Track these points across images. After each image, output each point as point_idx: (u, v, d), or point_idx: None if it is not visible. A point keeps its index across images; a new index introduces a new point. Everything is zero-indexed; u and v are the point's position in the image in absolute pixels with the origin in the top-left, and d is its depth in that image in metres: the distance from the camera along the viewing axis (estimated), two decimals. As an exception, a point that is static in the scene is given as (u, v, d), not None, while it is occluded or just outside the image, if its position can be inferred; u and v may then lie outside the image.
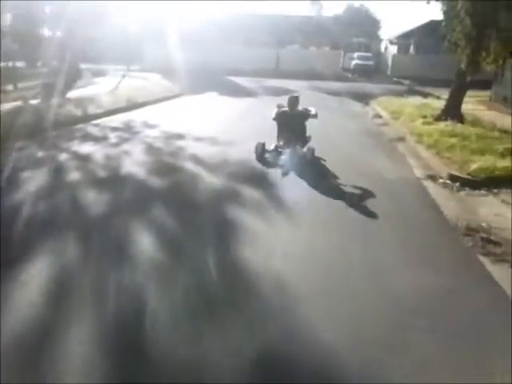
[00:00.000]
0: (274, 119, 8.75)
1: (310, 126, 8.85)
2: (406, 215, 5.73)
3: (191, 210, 5.61)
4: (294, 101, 8.71)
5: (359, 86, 27.10)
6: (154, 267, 4.06)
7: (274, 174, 7.32)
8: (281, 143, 8.33)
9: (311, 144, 8.50)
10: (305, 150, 8.23)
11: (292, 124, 8.42)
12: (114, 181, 6.83)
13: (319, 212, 5.76)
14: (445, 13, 12.29)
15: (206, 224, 5.15)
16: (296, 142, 8.15)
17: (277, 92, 22.14)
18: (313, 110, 8.87)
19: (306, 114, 8.69)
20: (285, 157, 7.88)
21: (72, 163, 7.73)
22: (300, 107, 8.79)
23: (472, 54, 10.78)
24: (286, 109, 8.73)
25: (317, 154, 8.36)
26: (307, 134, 8.64)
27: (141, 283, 3.75)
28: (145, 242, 4.56)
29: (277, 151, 8.22)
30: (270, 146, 8.35)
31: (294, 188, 6.61)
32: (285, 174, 7.26)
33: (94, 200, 5.83)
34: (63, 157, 8.18)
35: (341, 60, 38.50)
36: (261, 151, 8.16)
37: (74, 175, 6.99)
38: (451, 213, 5.76)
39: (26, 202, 5.60)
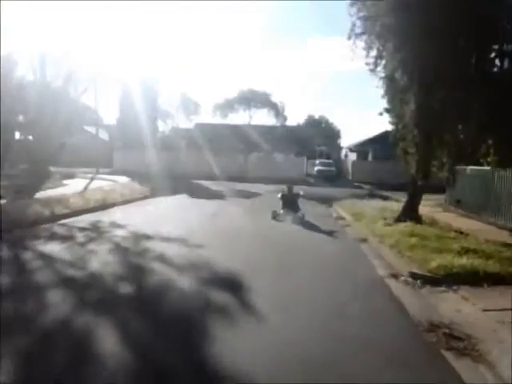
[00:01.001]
0: (280, 198, 14.89)
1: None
2: (370, 313, 5.83)
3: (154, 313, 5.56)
4: (290, 187, 15.42)
5: (322, 190, 28.18)
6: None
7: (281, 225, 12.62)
8: (285, 210, 14.25)
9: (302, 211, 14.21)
10: (299, 214, 13.92)
11: (290, 200, 14.65)
12: (76, 281, 6.72)
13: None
14: (394, 124, 13.42)
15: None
16: (294, 210, 14.11)
17: (245, 195, 22.86)
18: (301, 192, 15.67)
19: (297, 194, 15.25)
20: (289, 217, 13.67)
21: (35, 262, 7.64)
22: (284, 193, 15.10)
23: (421, 162, 11.63)
24: (286, 192, 15.14)
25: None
26: (299, 205, 14.64)
27: None
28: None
29: (284, 215, 14.02)
30: (279, 212, 14.26)
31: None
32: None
33: (54, 302, 5.69)
34: (26, 256, 8.09)
35: (304, 166, 40.27)
36: (274, 215, 14.06)
37: (35, 274, 6.89)
38: (414, 309, 5.91)
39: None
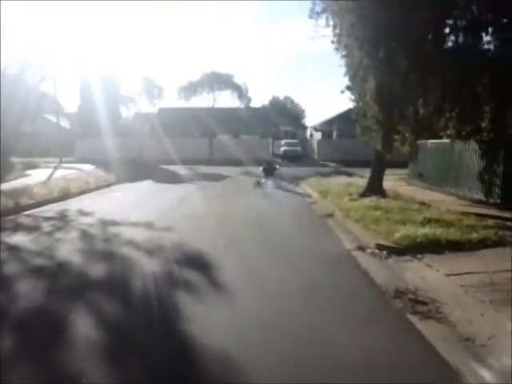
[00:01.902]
0: (262, 170, 19.43)
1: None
2: (339, 284, 6.03)
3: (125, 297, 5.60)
4: (270, 161, 21.76)
5: (289, 170, 28.42)
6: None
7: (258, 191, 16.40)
8: (266, 178, 18.71)
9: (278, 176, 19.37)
10: (278, 180, 19.13)
11: (270, 170, 19.22)
12: (45, 270, 6.67)
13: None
14: (355, 101, 13.65)
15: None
16: (273, 177, 18.90)
17: (211, 178, 22.88)
18: (277, 166, 20.82)
19: (275, 167, 19.81)
20: (269, 183, 18.21)
21: (1, 254, 7.51)
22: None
23: (384, 137, 11.91)
24: (267, 166, 19.56)
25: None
26: (276, 172, 19.37)
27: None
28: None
29: (265, 182, 18.31)
30: (262, 181, 18.44)
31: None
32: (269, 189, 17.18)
33: (25, 291, 5.63)
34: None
35: (270, 147, 40.42)
36: (256, 184, 18.03)
37: (2, 266, 6.80)
38: (381, 278, 6.14)
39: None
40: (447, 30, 11.24)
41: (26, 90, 17.98)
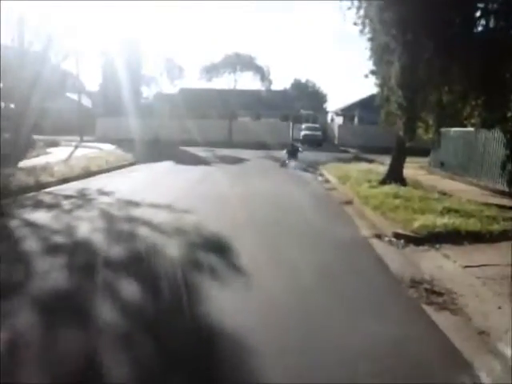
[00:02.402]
0: (286, 152, 21.27)
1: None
2: (355, 271, 6.01)
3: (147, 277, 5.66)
4: (293, 143, 24.45)
5: (308, 154, 28.25)
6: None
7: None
8: (289, 159, 20.62)
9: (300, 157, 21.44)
10: (300, 162, 20.78)
11: (292, 152, 21.20)
12: (63, 248, 6.75)
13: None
14: (379, 86, 13.39)
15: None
16: (295, 158, 20.90)
17: (230, 160, 22.90)
18: (300, 148, 22.79)
19: (297, 149, 21.98)
20: (292, 164, 20.22)
21: (21, 230, 7.66)
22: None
23: (407, 123, 11.69)
24: (290, 148, 21.78)
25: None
26: (298, 155, 21.31)
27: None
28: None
29: (288, 163, 20.43)
30: (286, 161, 20.61)
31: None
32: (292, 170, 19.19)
33: (46, 269, 5.71)
34: (13, 224, 8.11)
35: (290, 131, 40.15)
36: (281, 164, 20.59)
37: (21, 242, 6.93)
38: (397, 267, 6.09)
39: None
40: (477, 14, 10.90)
41: (49, 67, 18.13)
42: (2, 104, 21.96)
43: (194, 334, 4.08)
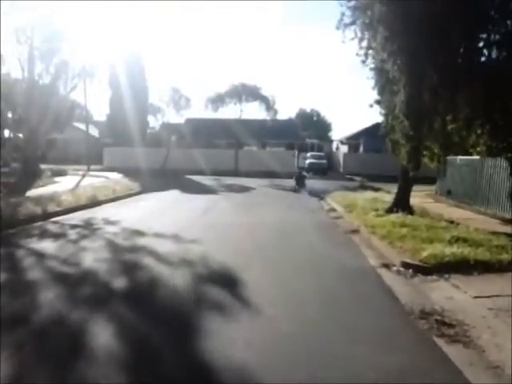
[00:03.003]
0: (294, 179, 23.77)
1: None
2: (363, 301, 5.92)
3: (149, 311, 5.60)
4: (300, 171, 25.86)
5: (314, 183, 28.34)
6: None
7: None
8: (297, 185, 23.12)
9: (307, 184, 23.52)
10: (306, 187, 23.16)
11: (300, 179, 23.45)
12: (70, 278, 6.71)
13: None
14: (384, 115, 13.48)
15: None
16: (303, 184, 23.22)
17: (236, 189, 22.98)
18: (306, 174, 25.62)
19: (304, 176, 24.31)
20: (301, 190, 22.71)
21: (28, 260, 7.65)
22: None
23: (412, 152, 11.71)
24: (298, 175, 24.03)
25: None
26: (305, 181, 23.70)
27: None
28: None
29: (298, 189, 22.93)
30: (295, 187, 23.18)
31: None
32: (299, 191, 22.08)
33: (49, 299, 5.68)
34: (19, 254, 8.10)
35: (296, 159, 40.33)
36: (292, 189, 23.10)
37: (28, 272, 6.91)
38: (406, 298, 6.00)
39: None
40: (480, 44, 11.04)
41: (58, 99, 18.45)
42: (11, 134, 22.28)
43: (196, 368, 4.00)
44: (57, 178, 22.80)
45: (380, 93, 13.30)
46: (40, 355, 4.15)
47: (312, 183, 25.64)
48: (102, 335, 4.60)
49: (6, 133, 27.74)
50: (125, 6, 39.90)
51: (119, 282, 6.53)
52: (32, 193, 15.25)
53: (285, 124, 52.83)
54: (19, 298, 5.70)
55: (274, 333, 4.76)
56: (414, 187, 14.25)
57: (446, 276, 6.93)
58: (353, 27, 12.45)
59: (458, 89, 10.79)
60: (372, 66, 12.85)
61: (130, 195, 18.33)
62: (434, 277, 6.98)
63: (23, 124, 18.59)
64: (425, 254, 7.70)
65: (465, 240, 8.74)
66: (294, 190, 22.98)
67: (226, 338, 4.56)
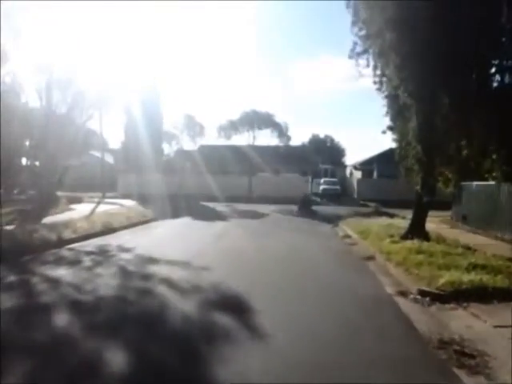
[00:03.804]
0: (300, 201, 24.72)
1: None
2: (380, 330, 5.80)
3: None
4: (306, 194, 29.04)
5: (328, 209, 28.20)
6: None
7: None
8: (301, 209, 24.09)
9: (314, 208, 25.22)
10: (313, 209, 24.95)
11: (306, 202, 24.91)
12: (84, 305, 6.72)
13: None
14: (397, 141, 13.48)
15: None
16: (309, 207, 24.69)
17: (249, 215, 22.97)
18: (312, 197, 31.30)
19: (310, 198, 27.69)
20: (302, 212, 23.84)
21: (43, 287, 7.68)
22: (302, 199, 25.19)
23: (425, 178, 11.64)
24: (303, 197, 25.54)
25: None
26: (312, 206, 25.43)
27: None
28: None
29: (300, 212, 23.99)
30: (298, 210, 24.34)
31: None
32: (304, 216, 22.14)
33: (63, 324, 5.71)
34: (35, 280, 8.15)
35: (309, 185, 40.32)
36: (297, 212, 23.97)
37: (43, 298, 6.95)
38: (424, 327, 5.86)
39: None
40: (492, 70, 11.07)
41: (74, 127, 18.78)
42: (28, 162, 22.67)
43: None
44: (72, 205, 23.03)
45: (393, 119, 13.34)
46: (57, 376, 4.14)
47: (326, 209, 25.52)
48: (116, 356, 4.65)
49: (24, 160, 28.30)
50: (138, 34, 40.80)
51: (132, 309, 6.54)
52: (48, 220, 15.39)
53: (298, 150, 53.19)
54: (34, 323, 5.71)
55: (288, 363, 4.67)
56: (430, 213, 14.09)
57: (465, 304, 6.79)
58: (365, 56, 12.61)
59: (470, 114, 10.78)
60: (386, 93, 12.94)
61: (143, 222, 18.42)
62: (452, 305, 6.85)
63: (40, 152, 18.92)
64: (442, 281, 7.56)
65: (483, 267, 8.59)
66: (297, 214, 23.59)
67: (236, 366, 4.51)
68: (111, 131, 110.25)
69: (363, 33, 12.58)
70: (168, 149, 47.45)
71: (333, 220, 20.44)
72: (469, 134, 11.33)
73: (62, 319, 5.92)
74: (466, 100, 10.53)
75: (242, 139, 59.30)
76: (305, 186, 38.47)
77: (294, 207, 25.35)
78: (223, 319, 6.18)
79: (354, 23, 12.81)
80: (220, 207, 27.54)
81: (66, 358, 4.68)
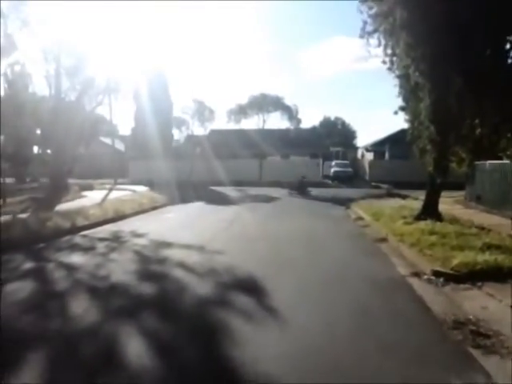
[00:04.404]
0: (298, 183, 27.52)
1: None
2: (394, 311, 5.78)
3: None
4: (303, 177, 28.34)
5: (339, 191, 28.11)
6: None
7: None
8: (298, 190, 26.87)
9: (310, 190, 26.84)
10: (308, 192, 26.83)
11: (302, 185, 27.19)
12: (102, 289, 6.81)
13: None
14: (410, 122, 13.28)
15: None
16: (304, 189, 26.96)
17: (261, 199, 22.96)
18: (304, 178, 28.44)
19: (306, 183, 27.78)
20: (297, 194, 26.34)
21: (58, 273, 7.76)
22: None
23: (438, 159, 11.48)
24: (300, 179, 27.62)
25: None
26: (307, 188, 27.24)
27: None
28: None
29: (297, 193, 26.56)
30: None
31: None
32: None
33: (80, 310, 5.77)
34: (50, 267, 8.24)
35: (320, 168, 40.13)
36: (291, 192, 26.83)
37: (58, 284, 7.03)
38: (438, 308, 5.83)
39: (11, 314, 5.56)
40: (507, 47, 10.81)
41: (84, 114, 18.83)
42: (40, 150, 22.82)
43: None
44: (84, 193, 23.20)
45: (405, 99, 13.14)
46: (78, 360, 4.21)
47: (337, 192, 25.41)
48: (133, 342, 4.70)
49: (35, 149, 28.52)
50: (146, 19, 40.54)
51: (149, 291, 6.62)
52: (60, 207, 15.52)
53: (309, 133, 52.77)
54: (52, 309, 5.80)
55: (302, 344, 4.68)
56: (443, 193, 13.96)
57: (479, 284, 6.74)
58: (376, 35, 12.38)
59: (484, 92, 10.57)
60: (397, 73, 12.72)
61: (155, 208, 18.52)
62: (467, 285, 6.79)
63: (51, 140, 19.01)
64: (456, 261, 7.49)
65: (497, 247, 8.50)
66: (291, 193, 26.42)
67: (253, 346, 4.56)
68: (121, 118, 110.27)
69: (373, 11, 12.33)
70: (178, 134, 47.28)
71: (345, 202, 20.35)
72: (483, 112, 11.12)
73: (85, 302, 6.02)
74: (479, 78, 10.31)
75: (251, 123, 59.09)
76: (316, 169, 38.31)
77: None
78: (237, 298, 6.28)
79: (362, 1, 12.56)
80: (231, 192, 27.57)
81: (97, 337, 4.83)
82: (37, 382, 3.72)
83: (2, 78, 21.75)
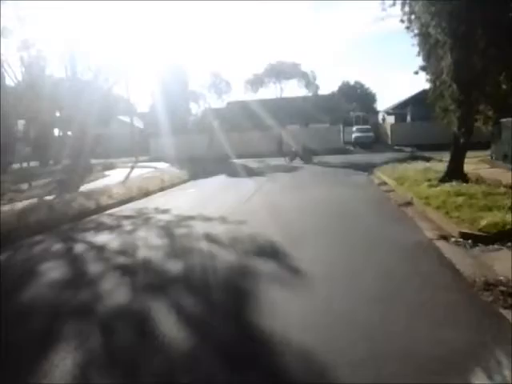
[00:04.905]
0: (302, 151, 27.71)
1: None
2: (423, 275, 5.72)
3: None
4: (304, 144, 28.31)
5: (361, 157, 27.78)
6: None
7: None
8: (302, 159, 27.25)
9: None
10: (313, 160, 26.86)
11: (306, 153, 27.44)
12: (130, 267, 6.91)
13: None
14: (431, 81, 12.90)
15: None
16: (308, 156, 27.22)
17: (282, 169, 22.86)
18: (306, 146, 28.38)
19: (310, 150, 27.83)
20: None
21: (87, 253, 7.91)
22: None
23: (463, 118, 11.17)
24: (303, 146, 27.80)
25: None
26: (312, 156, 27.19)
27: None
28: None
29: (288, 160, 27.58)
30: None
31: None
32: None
33: (112, 287, 5.88)
34: (78, 247, 8.40)
35: (341, 134, 39.60)
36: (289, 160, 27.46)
37: (88, 264, 7.17)
38: (467, 270, 5.73)
39: (46, 295, 5.72)
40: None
41: (101, 94, 18.86)
42: (61, 132, 23.05)
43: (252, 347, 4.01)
44: (107, 172, 23.49)
45: (425, 59, 12.73)
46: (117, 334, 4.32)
47: (359, 158, 25.10)
48: (166, 313, 4.83)
49: (56, 131, 28.84)
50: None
51: (176, 267, 6.68)
52: (84, 188, 15.76)
53: (327, 99, 51.99)
54: (85, 287, 5.91)
55: (329, 310, 4.69)
56: (468, 154, 13.64)
57: (509, 244, 6.60)
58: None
59: (509, 47, 10.16)
60: (416, 31, 12.31)
61: (178, 183, 18.64)
62: (496, 246, 6.66)
63: (70, 122, 19.16)
64: (484, 222, 7.34)
65: (527, 205, 8.29)
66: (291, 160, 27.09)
67: (282, 310, 4.63)
68: (139, 96, 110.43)
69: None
70: (196, 108, 47.21)
71: (367, 168, 20.11)
72: (507, 68, 10.72)
73: (112, 282, 6.12)
74: (504, 32, 9.90)
75: (269, 92, 58.42)
76: (337, 135, 37.84)
77: (327, 157, 26.69)
78: (264, 265, 6.45)
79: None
80: (252, 163, 27.51)
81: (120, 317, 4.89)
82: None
83: (19, 61, 21.88)
